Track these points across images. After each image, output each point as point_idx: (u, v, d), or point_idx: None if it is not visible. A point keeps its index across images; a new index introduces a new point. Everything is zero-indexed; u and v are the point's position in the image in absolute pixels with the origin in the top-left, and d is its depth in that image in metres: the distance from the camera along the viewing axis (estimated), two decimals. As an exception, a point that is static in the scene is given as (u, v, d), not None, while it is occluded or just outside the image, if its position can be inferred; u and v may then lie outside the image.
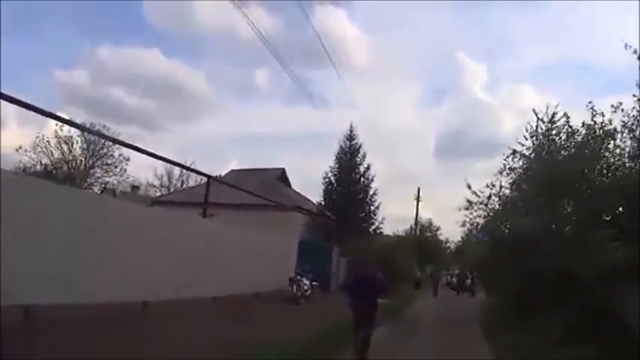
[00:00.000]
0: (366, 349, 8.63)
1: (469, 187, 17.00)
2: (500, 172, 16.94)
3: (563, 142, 16.09)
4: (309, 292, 18.86)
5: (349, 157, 34.25)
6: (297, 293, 17.94)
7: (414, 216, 48.94)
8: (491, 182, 16.70)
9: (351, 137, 34.66)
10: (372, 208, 34.20)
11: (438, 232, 56.69)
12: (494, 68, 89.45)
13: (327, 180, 34.08)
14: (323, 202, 33.68)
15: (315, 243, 24.53)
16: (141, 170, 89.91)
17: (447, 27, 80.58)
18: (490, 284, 22.54)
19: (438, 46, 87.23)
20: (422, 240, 48.64)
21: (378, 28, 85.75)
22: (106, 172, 42.64)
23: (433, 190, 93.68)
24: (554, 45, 72.11)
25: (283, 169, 37.35)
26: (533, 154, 16.65)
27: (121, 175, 42.63)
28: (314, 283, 19.56)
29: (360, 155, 34.45)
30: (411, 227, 49.28)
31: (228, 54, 79.79)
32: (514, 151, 16.61)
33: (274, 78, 71.95)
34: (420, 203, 48.29)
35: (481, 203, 16.86)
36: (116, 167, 42.40)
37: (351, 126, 34.90)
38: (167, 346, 8.57)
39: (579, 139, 14.84)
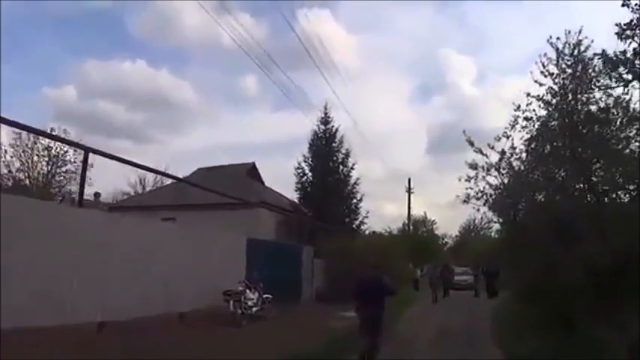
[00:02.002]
0: (375, 355, 8.39)
1: (471, 144, 12.36)
2: (512, 126, 12.27)
3: (593, 78, 11.79)
4: (256, 308, 13.99)
5: (324, 143, 29.18)
6: (238, 312, 13.05)
7: (407, 210, 44.04)
8: (504, 133, 12.06)
9: (325, 121, 29.61)
10: (355, 200, 29.28)
11: (434, 227, 51.95)
12: (479, 62, 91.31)
13: (300, 171, 29.00)
14: (299, 198, 28.78)
15: (276, 242, 19.43)
16: (117, 179, 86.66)
17: (428, 24, 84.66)
18: (510, 283, 17.57)
19: (423, 43, 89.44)
20: (416, 236, 43.89)
21: (363, 28, 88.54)
22: (67, 179, 38.76)
23: (427, 187, 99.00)
24: (536, 35, 69.15)
25: (253, 164, 32.98)
26: (555, 100, 12.13)
27: (87, 182, 38.25)
28: (266, 295, 14.68)
29: (337, 140, 29.36)
30: (404, 224, 44.36)
31: (215, 62, 79.80)
32: (528, 95, 11.96)
33: (264, 83, 70.05)
34: (412, 195, 43.32)
35: (490, 168, 12.20)
36: (75, 173, 37.81)
37: (326, 107, 29.80)
38: None
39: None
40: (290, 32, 69.29)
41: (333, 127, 29.43)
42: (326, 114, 29.53)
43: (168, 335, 10.75)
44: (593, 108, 11.17)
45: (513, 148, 12.21)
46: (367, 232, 31.86)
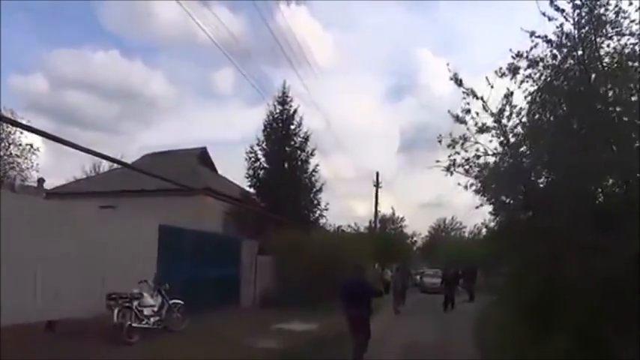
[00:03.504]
0: (362, 353, 8.70)
1: (459, 83, 9.04)
2: (513, 75, 8.92)
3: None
4: (155, 319, 10.44)
5: (281, 125, 25.46)
6: (126, 323, 9.58)
7: (374, 206, 40.53)
8: (510, 66, 8.77)
9: (283, 101, 25.79)
10: (314, 189, 25.68)
11: (402, 224, 48.70)
12: (452, 62, 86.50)
13: (252, 155, 25.21)
14: (251, 185, 25.14)
15: (202, 233, 15.27)
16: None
17: (405, 25, 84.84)
18: (503, 292, 13.95)
19: (399, 43, 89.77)
20: (383, 234, 40.64)
21: (341, 26, 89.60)
22: (10, 164, 35.33)
23: (399, 187, 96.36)
24: (509, 37, 67.85)
25: (204, 149, 30.13)
26: (565, 48, 8.96)
27: (31, 167, 34.36)
28: (174, 301, 11.13)
29: (295, 122, 25.57)
30: (370, 221, 40.74)
31: (192, 56, 76.82)
32: (532, 35, 8.66)
33: (241, 78, 66.74)
34: (383, 195, 39.97)
35: (484, 129, 8.88)
36: (20, 158, 34.77)
37: (284, 87, 26.03)
38: None
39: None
40: (264, 27, 67.18)
41: (291, 107, 25.79)
42: (284, 93, 25.78)
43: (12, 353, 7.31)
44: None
45: (509, 102, 8.82)
46: (327, 226, 28.37)
